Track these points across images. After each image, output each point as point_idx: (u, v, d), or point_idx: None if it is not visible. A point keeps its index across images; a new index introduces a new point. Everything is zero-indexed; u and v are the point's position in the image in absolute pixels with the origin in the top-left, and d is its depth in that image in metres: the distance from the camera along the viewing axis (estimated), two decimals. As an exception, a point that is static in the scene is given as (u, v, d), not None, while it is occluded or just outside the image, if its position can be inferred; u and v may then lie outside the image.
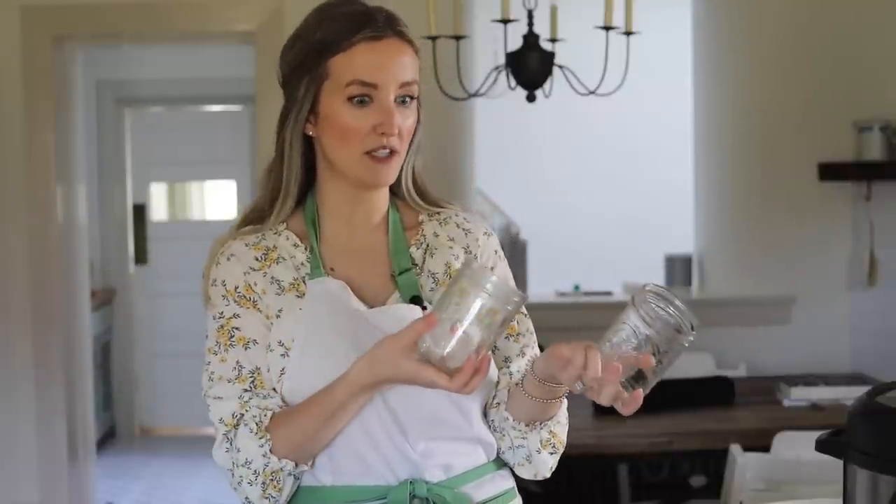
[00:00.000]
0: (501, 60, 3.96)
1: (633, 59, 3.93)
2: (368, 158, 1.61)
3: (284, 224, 1.69)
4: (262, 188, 1.70)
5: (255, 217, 1.70)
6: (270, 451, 1.57)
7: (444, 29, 3.72)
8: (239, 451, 1.58)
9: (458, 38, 3.76)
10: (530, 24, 3.92)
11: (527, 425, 1.63)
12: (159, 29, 4.62)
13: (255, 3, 4.49)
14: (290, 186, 1.67)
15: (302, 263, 1.66)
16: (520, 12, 3.88)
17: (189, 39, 5.17)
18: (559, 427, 1.67)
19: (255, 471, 1.57)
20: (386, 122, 1.59)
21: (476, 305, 1.44)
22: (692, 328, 1.46)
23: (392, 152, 1.61)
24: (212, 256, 1.68)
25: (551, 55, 3.92)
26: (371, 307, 1.64)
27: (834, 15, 4.52)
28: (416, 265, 1.69)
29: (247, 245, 1.67)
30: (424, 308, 1.62)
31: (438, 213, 1.75)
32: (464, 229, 1.74)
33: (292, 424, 1.57)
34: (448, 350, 1.44)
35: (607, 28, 3.80)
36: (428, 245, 1.71)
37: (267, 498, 1.59)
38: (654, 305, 1.46)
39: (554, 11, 3.97)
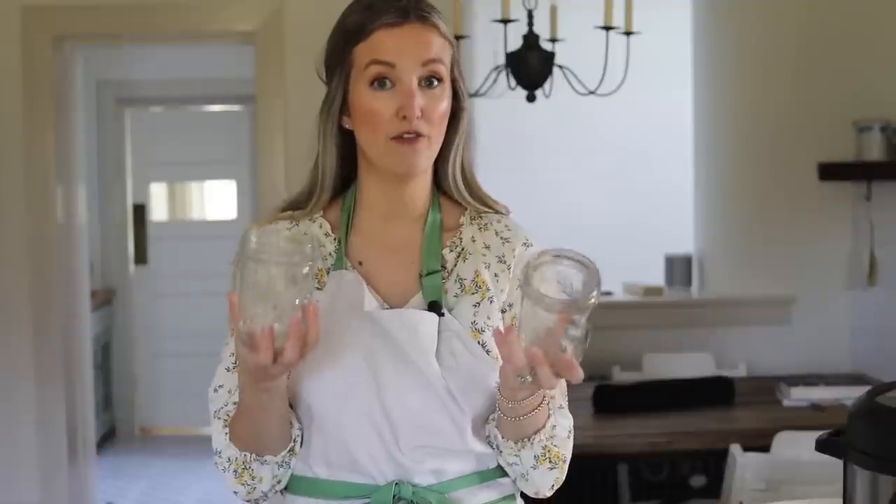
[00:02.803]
0: (501, 60, 3.97)
1: (633, 59, 3.93)
2: (395, 143, 1.57)
3: (322, 212, 1.68)
4: (306, 180, 1.70)
5: (292, 207, 1.69)
6: (230, 441, 1.58)
7: (444, 29, 3.71)
8: (212, 440, 1.61)
9: (458, 37, 3.76)
10: (530, 24, 3.93)
11: (516, 443, 1.57)
12: (159, 29, 4.61)
13: (255, 3, 4.49)
14: (326, 179, 1.66)
15: (330, 254, 1.65)
16: (520, 12, 3.88)
17: (189, 39, 5.16)
18: (556, 441, 1.60)
19: (228, 458, 1.59)
20: (406, 104, 1.55)
21: (254, 276, 1.36)
22: (593, 280, 1.36)
23: (419, 135, 1.57)
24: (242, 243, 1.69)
25: (551, 55, 3.92)
26: (392, 305, 1.61)
27: (834, 15, 4.53)
28: (445, 268, 1.64)
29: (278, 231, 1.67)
30: (442, 314, 1.59)
31: (481, 217, 1.71)
32: (502, 238, 1.69)
33: (235, 419, 1.58)
34: (250, 325, 1.37)
35: (607, 28, 3.81)
36: (463, 249, 1.66)
37: (243, 484, 1.60)
38: (536, 288, 1.37)
39: (554, 11, 3.97)
